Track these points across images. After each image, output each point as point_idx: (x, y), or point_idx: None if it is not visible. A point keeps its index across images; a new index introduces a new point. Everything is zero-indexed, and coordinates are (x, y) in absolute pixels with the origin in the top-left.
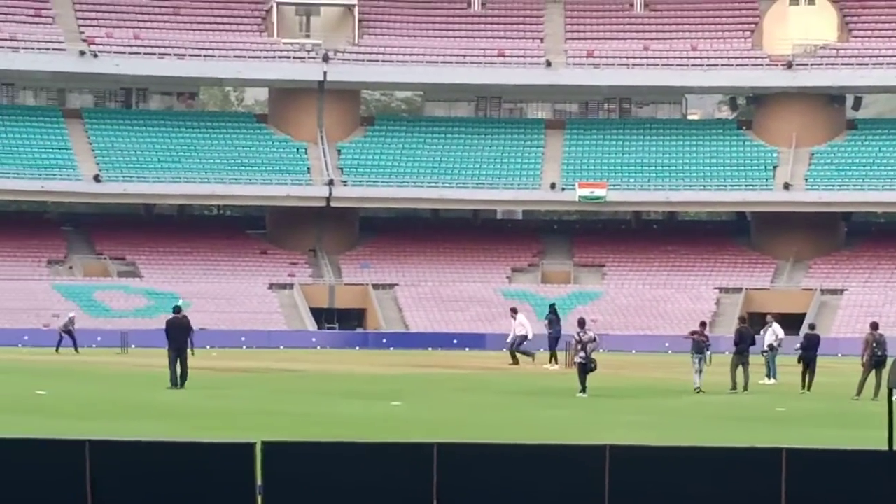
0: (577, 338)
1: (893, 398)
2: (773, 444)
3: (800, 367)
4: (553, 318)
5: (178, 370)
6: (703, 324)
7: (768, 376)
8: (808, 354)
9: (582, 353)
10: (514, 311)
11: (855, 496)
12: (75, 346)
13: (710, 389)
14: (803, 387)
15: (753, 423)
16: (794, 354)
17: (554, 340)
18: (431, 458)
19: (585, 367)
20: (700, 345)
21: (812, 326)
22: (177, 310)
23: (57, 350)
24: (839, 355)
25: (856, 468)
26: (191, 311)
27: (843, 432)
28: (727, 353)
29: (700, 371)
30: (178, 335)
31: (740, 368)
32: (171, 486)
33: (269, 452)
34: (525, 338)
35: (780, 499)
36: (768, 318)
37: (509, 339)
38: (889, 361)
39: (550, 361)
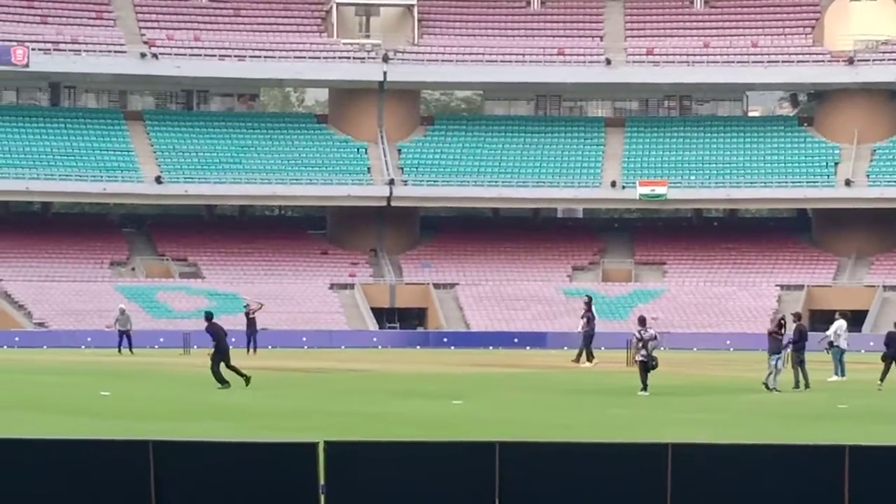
0: (639, 336)
1: None
2: (835, 442)
3: (882, 365)
4: (589, 314)
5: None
6: (781, 323)
7: (836, 373)
8: (891, 352)
9: (643, 352)
10: (590, 298)
11: None
12: (130, 345)
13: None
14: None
15: (815, 421)
16: (866, 352)
17: (588, 337)
18: (493, 457)
19: (647, 365)
20: (778, 344)
21: None
22: (209, 316)
23: (119, 350)
24: None
25: None
26: None
27: None
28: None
29: (776, 371)
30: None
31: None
32: (234, 487)
33: (332, 452)
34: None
35: (843, 497)
36: (836, 315)
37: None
38: None
39: (588, 359)
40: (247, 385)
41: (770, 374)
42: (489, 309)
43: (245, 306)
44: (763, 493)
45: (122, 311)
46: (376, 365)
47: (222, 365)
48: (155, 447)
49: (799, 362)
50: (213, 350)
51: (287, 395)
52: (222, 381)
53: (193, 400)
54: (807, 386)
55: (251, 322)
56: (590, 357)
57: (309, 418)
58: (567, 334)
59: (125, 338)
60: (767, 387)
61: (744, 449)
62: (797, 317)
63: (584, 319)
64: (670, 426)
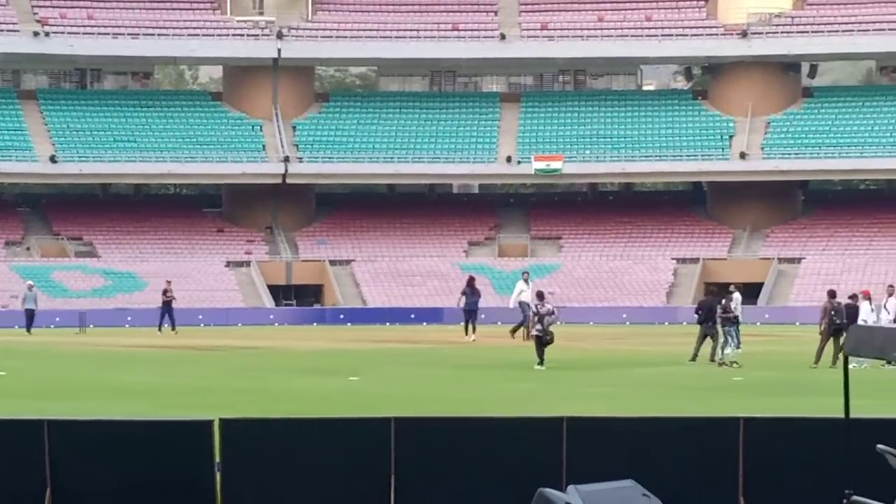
0: (535, 310)
1: (849, 366)
2: (730, 414)
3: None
4: (468, 290)
5: None
6: (709, 291)
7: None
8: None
9: (539, 326)
10: (527, 274)
11: (812, 463)
12: (28, 325)
13: (669, 360)
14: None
15: (711, 393)
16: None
17: (468, 312)
18: (389, 433)
19: (542, 340)
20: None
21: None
22: None
23: (28, 331)
24: (797, 324)
25: (812, 435)
26: (148, 291)
27: (802, 400)
28: (684, 322)
29: (728, 344)
30: None
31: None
32: (130, 465)
33: (228, 430)
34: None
35: (738, 467)
36: (731, 287)
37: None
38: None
39: (467, 333)
40: None
41: (721, 347)
42: (385, 285)
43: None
44: (659, 464)
45: (30, 289)
46: (273, 342)
47: None
48: (50, 426)
49: (709, 335)
50: None
51: (183, 373)
52: None
53: (90, 379)
54: (711, 359)
55: (167, 302)
56: (466, 330)
57: (205, 396)
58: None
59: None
60: (721, 362)
61: (640, 422)
62: (710, 291)
63: (462, 296)
64: (567, 400)
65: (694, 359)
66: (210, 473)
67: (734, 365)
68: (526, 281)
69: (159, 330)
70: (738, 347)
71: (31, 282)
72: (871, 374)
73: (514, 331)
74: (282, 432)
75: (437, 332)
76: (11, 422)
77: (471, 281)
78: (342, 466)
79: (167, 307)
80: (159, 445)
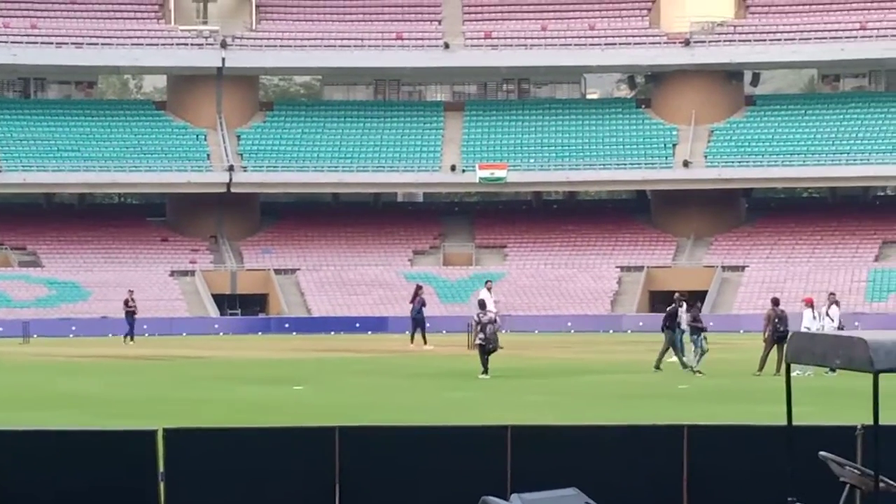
0: (477, 318)
1: (793, 373)
2: (674, 422)
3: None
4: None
5: None
6: (682, 301)
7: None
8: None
9: (482, 335)
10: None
11: (755, 470)
12: None
13: (614, 368)
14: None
15: (656, 401)
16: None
17: (416, 321)
18: (333, 442)
19: (485, 348)
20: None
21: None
22: None
23: None
24: (741, 331)
25: (756, 443)
26: (92, 300)
27: (746, 407)
28: (629, 331)
29: (695, 353)
30: None
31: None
32: (73, 475)
33: (171, 439)
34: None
35: (682, 475)
36: (676, 296)
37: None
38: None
39: (411, 340)
40: None
41: (694, 355)
42: (330, 294)
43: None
44: (604, 472)
45: None
46: (218, 352)
47: None
48: None
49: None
50: None
51: (127, 382)
52: None
53: (34, 389)
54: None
55: (130, 313)
56: (412, 339)
57: (150, 406)
58: (409, 318)
59: None
60: (693, 369)
61: (584, 430)
62: (677, 300)
63: (412, 305)
64: (511, 409)
65: (658, 367)
66: (154, 483)
67: (699, 374)
68: (489, 290)
69: (131, 340)
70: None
71: None
72: (814, 382)
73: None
74: (226, 442)
75: (382, 342)
76: None
77: (417, 289)
78: (287, 476)
79: (129, 317)
80: (103, 455)
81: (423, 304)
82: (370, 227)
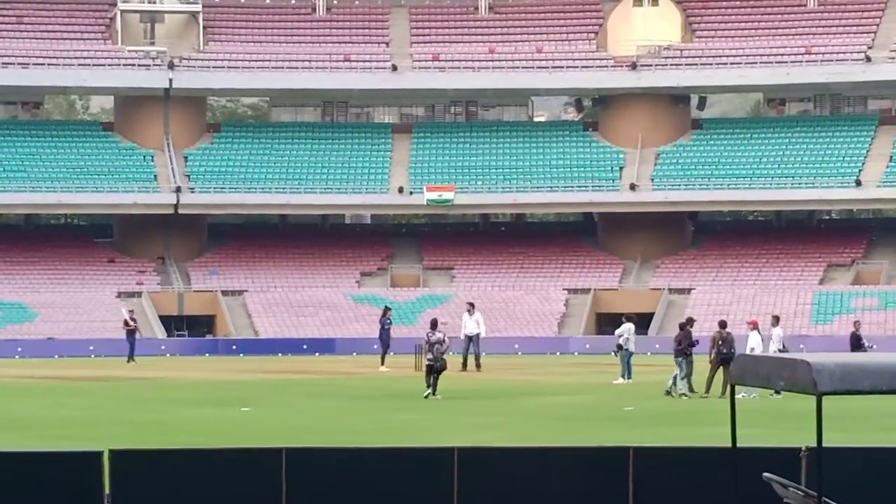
0: (426, 339)
1: (739, 395)
2: (620, 443)
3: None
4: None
5: None
6: (682, 325)
7: (622, 376)
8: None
9: (430, 355)
10: (471, 305)
11: (700, 493)
12: None
13: (560, 390)
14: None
15: (602, 423)
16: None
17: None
18: (280, 464)
19: (433, 368)
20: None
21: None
22: None
23: None
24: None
25: (701, 465)
26: (38, 321)
27: (692, 430)
28: (576, 353)
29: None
30: None
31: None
32: (18, 498)
33: (117, 461)
34: (471, 338)
35: (628, 497)
36: (623, 318)
37: (462, 336)
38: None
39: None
40: None
41: (679, 378)
42: (278, 315)
43: (125, 321)
44: (550, 494)
45: None
46: (164, 373)
47: None
48: None
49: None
50: None
51: (73, 404)
52: None
53: None
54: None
55: (130, 332)
56: (383, 361)
57: (95, 427)
58: (356, 340)
59: None
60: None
61: (531, 451)
62: (686, 322)
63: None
64: (458, 430)
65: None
66: None
67: (683, 396)
68: (469, 312)
69: (132, 360)
70: (629, 378)
71: None
72: (759, 404)
73: (464, 363)
74: (173, 463)
75: (330, 363)
76: None
77: (385, 311)
78: (234, 498)
79: (130, 336)
80: (47, 477)
81: (385, 326)
82: (318, 248)
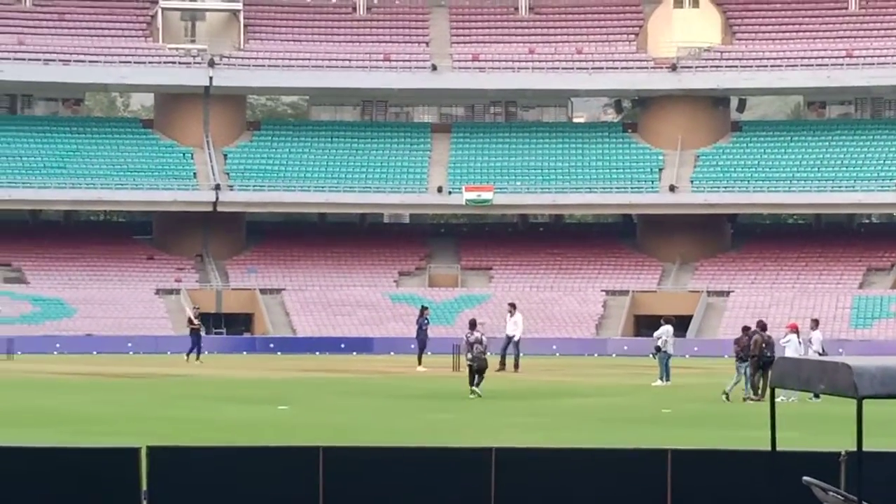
0: (465, 338)
1: (776, 398)
2: (659, 446)
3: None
4: (422, 320)
5: None
6: (745, 328)
7: (661, 378)
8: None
9: (470, 354)
10: (512, 306)
11: (739, 496)
12: None
13: (599, 391)
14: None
15: (640, 425)
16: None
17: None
18: (318, 462)
19: (473, 368)
20: (744, 350)
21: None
22: None
23: None
24: (726, 356)
25: (740, 468)
26: (77, 318)
27: (730, 432)
28: (614, 354)
29: (743, 379)
30: None
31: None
32: (56, 492)
33: (155, 458)
34: (510, 339)
35: (666, 499)
36: (662, 320)
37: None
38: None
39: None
40: None
41: (736, 382)
42: (315, 314)
43: (190, 319)
44: (588, 496)
45: None
46: (202, 370)
47: None
48: None
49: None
50: None
51: (111, 400)
52: None
53: (17, 405)
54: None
55: (194, 330)
56: (420, 361)
57: (133, 423)
58: (393, 339)
59: None
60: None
61: (569, 452)
62: (756, 326)
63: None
64: (496, 431)
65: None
66: (136, 501)
67: (749, 400)
68: (510, 313)
69: (196, 359)
70: (668, 380)
71: None
72: (798, 408)
73: (501, 363)
74: (210, 460)
75: (367, 362)
76: None
77: (422, 310)
78: (270, 495)
79: (194, 335)
80: (86, 473)
81: (423, 325)
82: (356, 247)
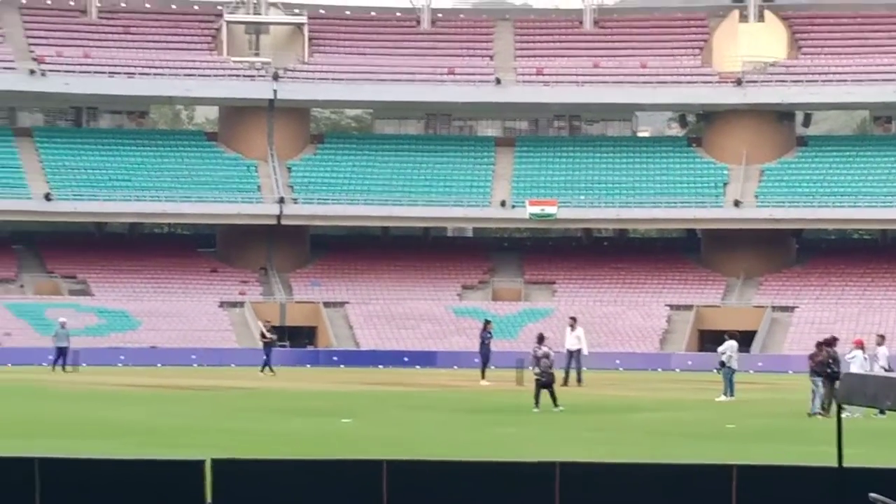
0: (533, 353)
1: (842, 414)
2: (723, 461)
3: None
4: (484, 335)
5: None
6: (818, 344)
7: (725, 393)
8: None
9: (537, 369)
10: (573, 320)
11: None
12: (64, 363)
13: (663, 406)
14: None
15: (704, 441)
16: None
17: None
18: (381, 476)
19: (540, 382)
20: (819, 365)
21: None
22: None
23: (54, 368)
24: (790, 372)
25: (805, 484)
26: (142, 330)
27: (795, 448)
28: (678, 369)
29: (818, 395)
30: None
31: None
32: None
33: (219, 470)
34: (573, 353)
35: None
36: (726, 335)
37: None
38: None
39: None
40: None
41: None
42: (379, 327)
43: (262, 332)
44: None
45: (63, 325)
46: (266, 383)
47: None
48: (41, 464)
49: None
50: None
51: (176, 412)
52: None
53: (81, 417)
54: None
55: (267, 344)
56: (483, 375)
57: (198, 436)
58: (457, 353)
59: (61, 355)
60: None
61: (632, 468)
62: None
63: (482, 339)
64: (559, 445)
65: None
66: None
67: (818, 415)
68: (571, 327)
69: (270, 371)
70: (732, 395)
71: (63, 318)
72: (864, 424)
73: (565, 378)
74: (273, 473)
75: (430, 376)
76: (3, 460)
77: (486, 324)
78: None
79: (266, 348)
80: (150, 485)
81: (486, 339)
82: (419, 261)
